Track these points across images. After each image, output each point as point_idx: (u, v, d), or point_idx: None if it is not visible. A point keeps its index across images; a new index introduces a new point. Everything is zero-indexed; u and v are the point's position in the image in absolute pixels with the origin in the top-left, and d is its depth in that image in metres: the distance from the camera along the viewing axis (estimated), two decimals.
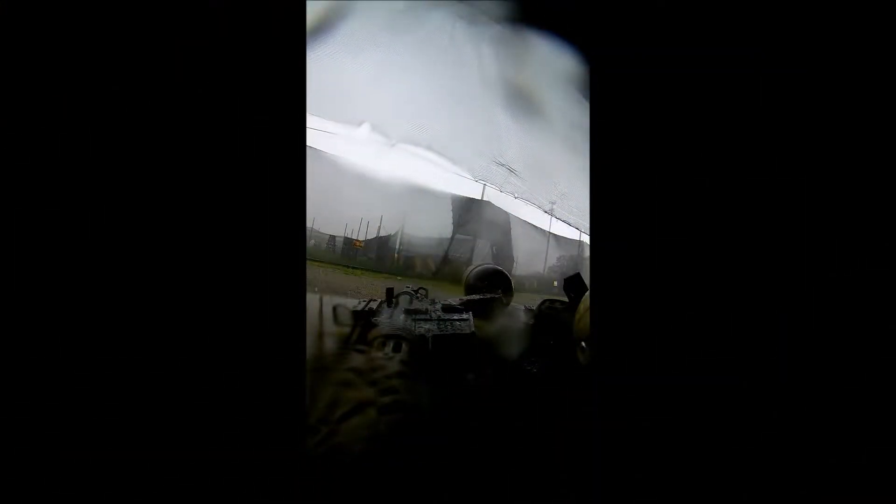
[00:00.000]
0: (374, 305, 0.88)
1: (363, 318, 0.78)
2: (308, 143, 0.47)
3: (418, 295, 1.09)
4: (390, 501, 0.30)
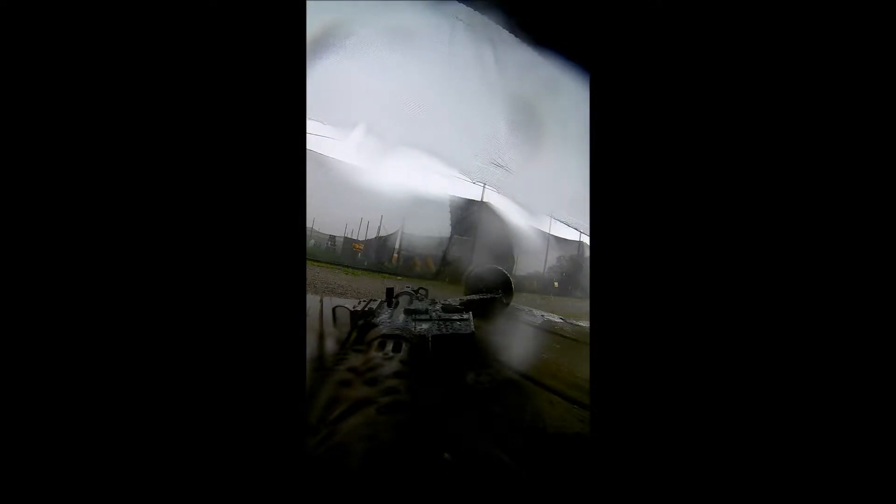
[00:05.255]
0: (373, 306, 0.88)
1: (363, 319, 0.78)
2: (308, 146, 0.47)
3: (418, 295, 1.09)
4: (391, 502, 0.30)
